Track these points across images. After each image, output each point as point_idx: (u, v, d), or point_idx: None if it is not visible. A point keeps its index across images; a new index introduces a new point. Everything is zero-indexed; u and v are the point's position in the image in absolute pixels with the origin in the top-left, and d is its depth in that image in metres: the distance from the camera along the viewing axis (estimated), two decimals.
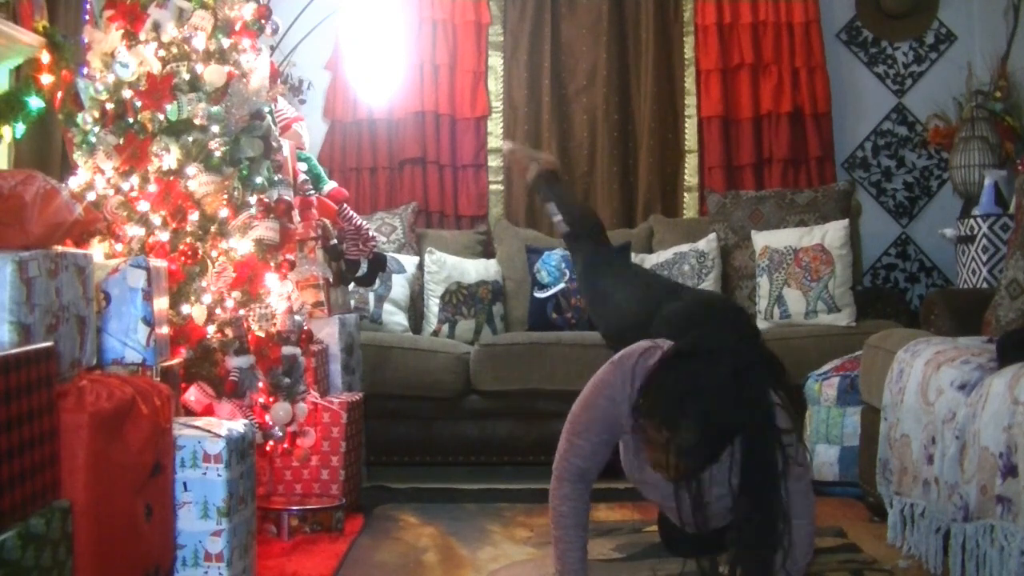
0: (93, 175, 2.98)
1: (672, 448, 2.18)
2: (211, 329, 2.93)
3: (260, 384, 3.00)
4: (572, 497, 2.42)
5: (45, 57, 3.04)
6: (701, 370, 2.17)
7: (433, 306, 4.69)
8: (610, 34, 5.20)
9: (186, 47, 3.08)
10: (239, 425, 2.57)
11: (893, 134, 5.31)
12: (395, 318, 4.61)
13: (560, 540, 2.42)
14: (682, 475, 2.26)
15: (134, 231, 2.90)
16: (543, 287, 4.66)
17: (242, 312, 2.99)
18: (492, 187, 5.25)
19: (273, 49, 3.57)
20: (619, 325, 2.98)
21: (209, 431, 2.45)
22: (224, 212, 3.00)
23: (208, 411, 2.81)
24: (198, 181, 2.97)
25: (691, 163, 5.23)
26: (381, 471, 4.18)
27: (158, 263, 2.68)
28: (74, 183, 2.96)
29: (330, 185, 4.00)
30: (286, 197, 3.24)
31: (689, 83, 5.23)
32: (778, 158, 5.17)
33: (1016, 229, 3.28)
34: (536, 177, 3.57)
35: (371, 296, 4.57)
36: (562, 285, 4.61)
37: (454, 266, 4.74)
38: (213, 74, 3.06)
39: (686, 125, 5.24)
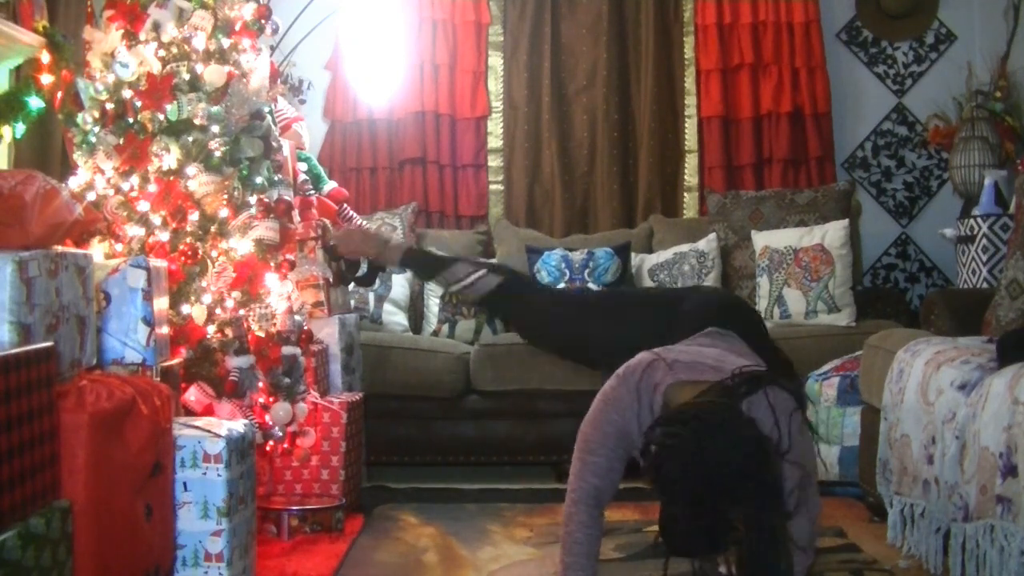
0: (93, 175, 2.98)
1: (669, 514, 2.18)
2: (211, 329, 2.93)
3: (260, 384, 3.00)
4: (588, 524, 2.38)
5: (45, 57, 3.04)
6: (701, 450, 2.10)
7: (433, 306, 4.69)
8: (610, 34, 5.20)
9: (186, 47, 3.08)
10: (239, 425, 2.57)
11: (893, 134, 5.31)
12: (395, 318, 4.61)
13: (571, 568, 2.38)
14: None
15: (134, 231, 2.90)
16: None
17: (242, 312, 2.99)
18: (492, 187, 5.25)
19: (273, 49, 3.58)
20: (630, 345, 2.89)
21: (209, 431, 2.45)
22: (224, 212, 3.00)
23: (208, 411, 2.81)
24: (198, 181, 2.97)
25: (691, 163, 5.23)
26: (381, 471, 4.18)
27: (158, 263, 2.68)
28: (74, 183, 2.96)
29: (330, 185, 4.01)
30: (286, 197, 3.24)
31: (689, 83, 5.23)
32: (778, 158, 5.17)
33: (1016, 229, 3.28)
34: (403, 255, 3.32)
35: (371, 296, 4.57)
36: (562, 285, 4.61)
37: None
38: (213, 74, 3.06)
39: (686, 125, 5.24)
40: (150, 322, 2.52)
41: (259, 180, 3.12)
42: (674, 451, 2.13)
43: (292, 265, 3.22)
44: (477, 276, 3.12)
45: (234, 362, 2.92)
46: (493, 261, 3.30)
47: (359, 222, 4.05)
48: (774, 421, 2.22)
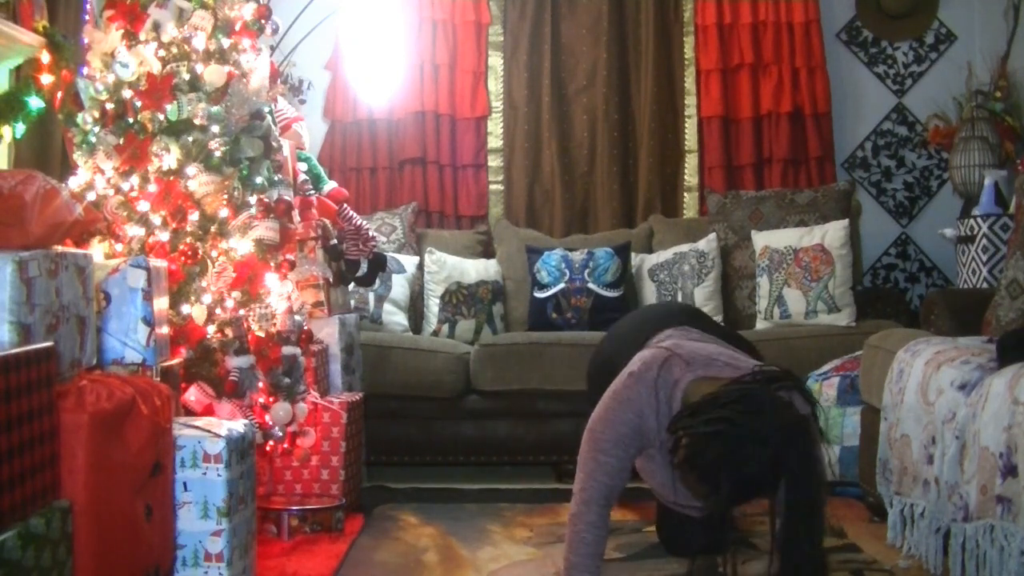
0: (93, 175, 2.98)
1: (710, 499, 2.19)
2: (211, 329, 2.93)
3: (260, 384, 3.00)
4: (598, 524, 2.37)
5: (45, 57, 3.04)
6: (741, 430, 2.09)
7: (433, 306, 4.69)
8: (610, 34, 5.20)
9: (186, 47, 3.08)
10: (239, 425, 2.57)
11: (893, 134, 5.31)
12: (395, 318, 4.61)
13: (576, 567, 2.36)
14: (717, 515, 2.26)
15: (134, 231, 2.90)
16: (543, 287, 4.66)
17: (242, 312, 2.99)
18: (492, 187, 5.25)
19: (273, 49, 3.58)
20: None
21: (209, 431, 2.45)
22: (224, 212, 3.00)
23: (208, 411, 2.81)
24: (198, 181, 2.97)
25: (691, 163, 5.23)
26: (381, 471, 4.18)
27: (158, 263, 2.68)
28: (74, 183, 2.96)
29: (330, 185, 4.00)
30: (286, 197, 3.24)
31: (689, 83, 5.23)
32: (778, 158, 5.17)
33: (1016, 229, 3.28)
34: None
35: (371, 296, 4.57)
36: (562, 285, 4.61)
37: (454, 266, 4.74)
38: (213, 74, 3.06)
39: (686, 125, 5.24)
40: (150, 322, 2.52)
41: (259, 180, 3.12)
42: (715, 436, 2.12)
43: (292, 265, 3.22)
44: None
45: (234, 362, 2.92)
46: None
47: (359, 222, 4.05)
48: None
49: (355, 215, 4.07)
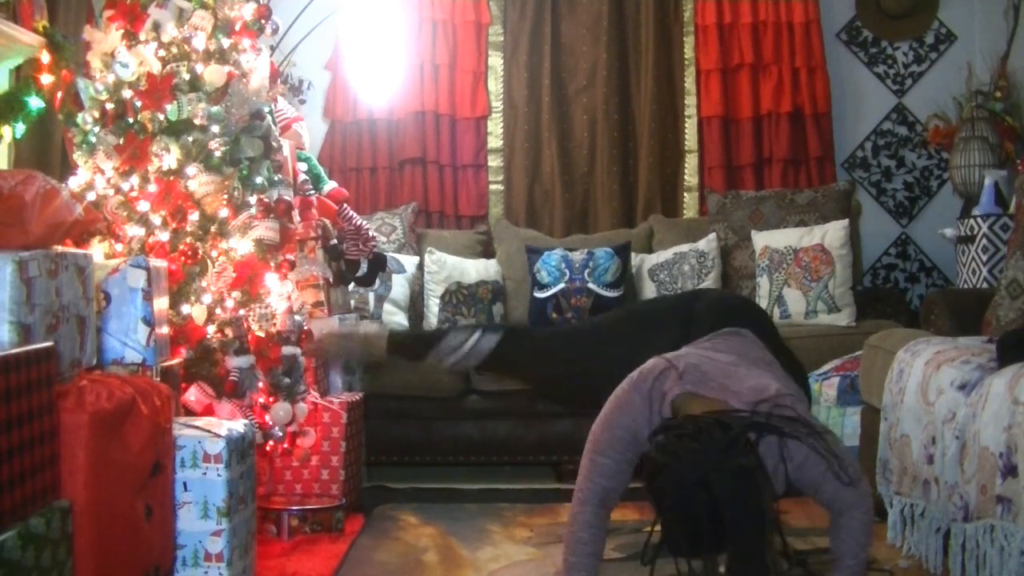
0: (93, 175, 2.98)
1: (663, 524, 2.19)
2: (211, 329, 2.93)
3: (260, 384, 3.00)
4: (594, 524, 2.40)
5: (45, 57, 3.04)
6: (689, 478, 2.09)
7: (433, 306, 4.69)
8: (610, 34, 5.20)
9: (186, 47, 3.08)
10: (239, 425, 2.57)
11: (893, 134, 5.31)
12: (395, 318, 4.61)
13: (574, 568, 2.38)
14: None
15: (134, 231, 2.90)
16: (543, 287, 4.66)
17: (242, 312, 2.99)
18: (492, 187, 5.25)
19: (273, 49, 3.58)
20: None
21: (209, 431, 2.45)
22: (224, 212, 3.00)
23: (208, 411, 2.81)
24: (198, 181, 2.97)
25: (691, 163, 5.23)
26: (381, 471, 4.18)
27: (158, 263, 2.68)
28: (74, 183, 2.96)
29: (330, 185, 4.00)
30: (286, 197, 3.24)
31: (689, 83, 5.23)
32: (778, 158, 5.16)
33: (1016, 229, 3.28)
34: (388, 345, 3.24)
35: (371, 296, 4.56)
36: (562, 285, 4.61)
37: (454, 266, 4.74)
38: (213, 74, 3.06)
39: (686, 125, 5.24)
40: (150, 322, 2.52)
41: (259, 180, 3.12)
42: (666, 467, 2.14)
43: (292, 265, 3.22)
44: (473, 340, 3.00)
45: (234, 362, 2.92)
46: (483, 323, 3.02)
47: (359, 222, 4.05)
48: (775, 468, 2.22)
49: (355, 215, 4.07)
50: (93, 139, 3.00)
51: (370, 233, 4.08)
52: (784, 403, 2.31)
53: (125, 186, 2.95)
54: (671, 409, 2.36)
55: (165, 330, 2.66)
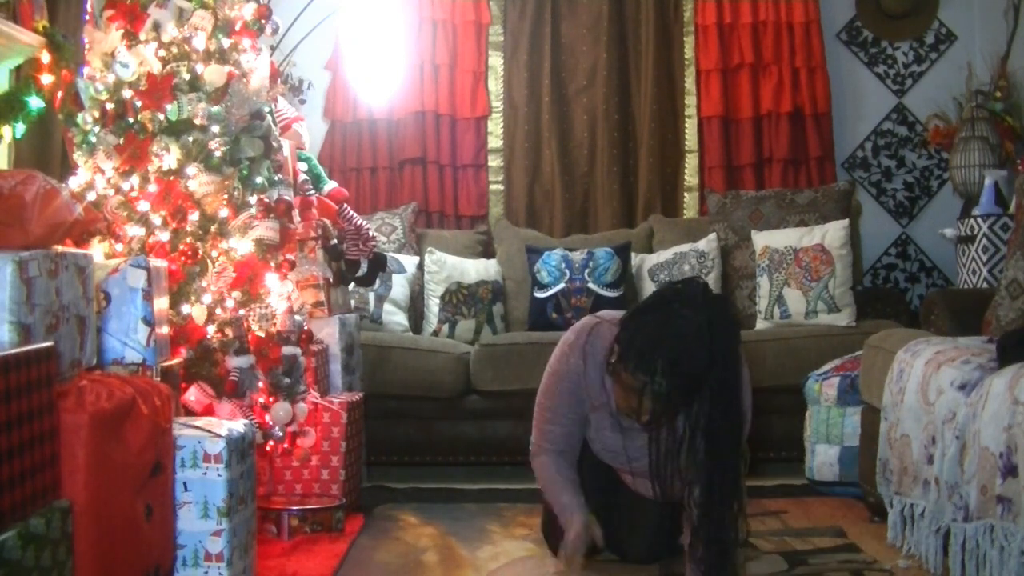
0: (93, 175, 2.98)
1: (647, 392, 2.26)
2: (211, 329, 2.93)
3: (260, 384, 3.00)
4: (554, 461, 2.55)
5: (45, 57, 3.03)
6: (675, 316, 2.25)
7: (433, 306, 4.69)
8: (610, 34, 5.20)
9: (186, 47, 3.08)
10: (239, 425, 2.57)
11: (893, 134, 5.31)
12: (395, 318, 4.61)
13: (555, 489, 2.53)
14: (655, 419, 2.33)
15: (134, 231, 2.90)
16: (543, 287, 4.66)
17: (242, 312, 2.99)
18: (492, 187, 5.25)
19: (273, 49, 3.57)
20: None
21: (209, 431, 2.45)
22: (224, 212, 3.00)
23: (208, 411, 2.81)
24: (198, 181, 2.97)
25: (691, 163, 5.23)
26: (381, 471, 4.18)
27: (158, 263, 2.68)
28: (74, 183, 2.96)
29: (330, 185, 4.00)
30: (286, 197, 3.24)
31: (689, 83, 5.23)
32: (778, 158, 5.17)
33: (1016, 229, 3.28)
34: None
35: (371, 296, 4.57)
36: (562, 285, 4.61)
37: (454, 266, 4.74)
38: (213, 74, 3.06)
39: (686, 125, 5.24)
40: (150, 322, 2.52)
41: (259, 180, 3.12)
42: (646, 324, 2.28)
43: (292, 265, 3.22)
44: None
45: (234, 362, 2.92)
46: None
47: (359, 222, 4.05)
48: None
49: (355, 215, 4.07)
50: (93, 139, 2.99)
51: (370, 233, 4.08)
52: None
53: (125, 186, 2.95)
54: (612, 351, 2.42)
55: (165, 330, 2.66)
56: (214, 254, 2.98)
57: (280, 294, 3.12)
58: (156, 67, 3.03)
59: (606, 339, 2.46)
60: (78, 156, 3.03)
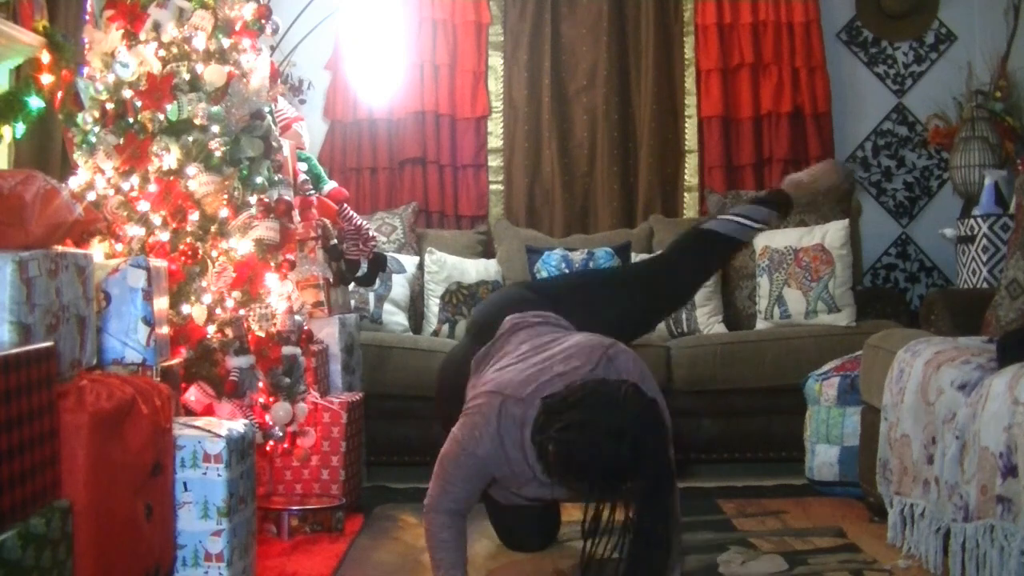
0: (93, 175, 2.98)
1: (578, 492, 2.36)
2: (211, 329, 2.93)
3: (260, 384, 3.00)
4: (450, 525, 2.48)
5: (45, 57, 3.03)
6: (593, 429, 2.23)
7: (433, 306, 4.69)
8: (610, 34, 5.20)
9: (186, 47, 3.08)
10: (239, 425, 2.57)
11: (893, 134, 5.31)
12: (395, 318, 4.61)
13: (442, 563, 2.45)
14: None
15: (134, 231, 2.90)
16: None
17: (242, 312, 2.99)
18: (492, 187, 5.25)
19: (273, 49, 3.57)
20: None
21: (209, 431, 2.45)
22: (224, 212, 3.00)
23: (208, 411, 2.81)
24: (198, 181, 2.97)
25: (691, 163, 5.23)
26: (381, 471, 4.18)
27: (158, 263, 2.68)
28: (74, 183, 2.96)
29: (330, 185, 4.01)
30: (286, 197, 3.24)
31: (689, 83, 5.23)
32: (778, 158, 5.16)
33: (1016, 229, 3.29)
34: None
35: (371, 296, 4.57)
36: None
37: (454, 266, 4.74)
38: (213, 74, 3.06)
39: (686, 125, 5.24)
40: (150, 322, 2.52)
41: (259, 180, 3.12)
42: (577, 438, 2.25)
43: (292, 265, 3.22)
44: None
45: (234, 362, 2.92)
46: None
47: (359, 222, 4.05)
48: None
49: (355, 215, 4.07)
50: (93, 139, 2.99)
51: (370, 233, 4.08)
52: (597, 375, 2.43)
53: (125, 186, 2.95)
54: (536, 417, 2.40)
55: (165, 330, 2.66)
56: (214, 254, 2.98)
57: (280, 294, 3.12)
58: (156, 67, 3.03)
59: (517, 416, 2.42)
60: (78, 156, 3.03)
